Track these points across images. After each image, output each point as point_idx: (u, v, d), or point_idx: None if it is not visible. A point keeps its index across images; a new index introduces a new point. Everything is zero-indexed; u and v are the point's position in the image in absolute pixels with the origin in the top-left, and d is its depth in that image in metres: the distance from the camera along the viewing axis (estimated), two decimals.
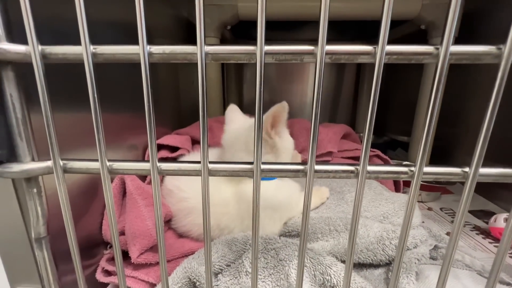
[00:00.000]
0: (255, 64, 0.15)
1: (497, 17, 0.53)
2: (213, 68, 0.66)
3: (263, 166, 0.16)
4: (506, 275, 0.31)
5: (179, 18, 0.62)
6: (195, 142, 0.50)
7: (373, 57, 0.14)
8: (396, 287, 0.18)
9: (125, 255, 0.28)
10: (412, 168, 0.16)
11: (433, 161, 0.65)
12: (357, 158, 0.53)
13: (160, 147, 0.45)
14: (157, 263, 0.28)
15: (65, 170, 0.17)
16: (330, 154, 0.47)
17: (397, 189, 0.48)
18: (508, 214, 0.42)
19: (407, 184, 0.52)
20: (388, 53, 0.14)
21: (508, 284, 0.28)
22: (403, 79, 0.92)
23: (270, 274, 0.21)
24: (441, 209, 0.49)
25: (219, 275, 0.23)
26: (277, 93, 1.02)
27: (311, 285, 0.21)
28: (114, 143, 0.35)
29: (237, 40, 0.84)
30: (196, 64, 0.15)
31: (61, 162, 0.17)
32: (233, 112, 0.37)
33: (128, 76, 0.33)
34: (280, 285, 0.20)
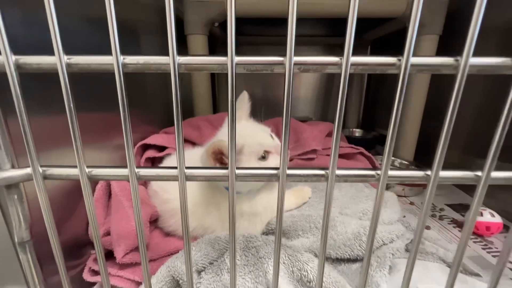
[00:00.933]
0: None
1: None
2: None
3: (237, 171, 0.17)
4: (477, 266, 0.33)
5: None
6: (186, 140, 0.50)
7: (339, 67, 0.15)
8: (367, 280, 0.19)
9: (112, 254, 0.29)
10: (379, 172, 0.17)
11: (417, 157, 0.67)
12: (342, 155, 0.54)
13: (148, 146, 0.45)
14: None
15: (45, 177, 0.17)
16: (315, 151, 0.48)
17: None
18: (484, 208, 0.43)
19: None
20: (353, 64, 0.15)
21: (477, 275, 0.30)
22: (391, 74, 0.94)
23: (250, 271, 0.22)
24: (422, 203, 0.51)
25: (202, 273, 0.24)
26: (268, 88, 1.02)
27: (289, 280, 0.22)
28: (101, 143, 0.35)
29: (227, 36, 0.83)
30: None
31: (41, 169, 0.17)
32: (239, 110, 0.34)
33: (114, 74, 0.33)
34: (259, 282, 0.22)
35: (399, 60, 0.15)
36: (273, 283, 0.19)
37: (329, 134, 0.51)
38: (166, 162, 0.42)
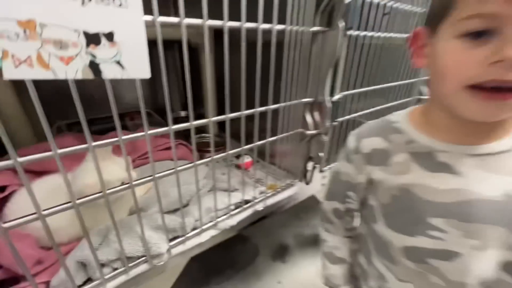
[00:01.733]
0: None
1: None
2: None
3: (79, 201, 0.36)
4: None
5: None
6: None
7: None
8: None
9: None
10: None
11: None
12: (168, 148, 0.80)
13: None
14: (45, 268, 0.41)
15: None
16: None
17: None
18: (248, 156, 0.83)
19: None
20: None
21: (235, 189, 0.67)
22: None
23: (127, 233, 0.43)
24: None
25: (98, 251, 0.41)
26: None
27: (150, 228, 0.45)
28: None
29: None
30: None
31: None
32: None
33: None
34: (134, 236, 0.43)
35: None
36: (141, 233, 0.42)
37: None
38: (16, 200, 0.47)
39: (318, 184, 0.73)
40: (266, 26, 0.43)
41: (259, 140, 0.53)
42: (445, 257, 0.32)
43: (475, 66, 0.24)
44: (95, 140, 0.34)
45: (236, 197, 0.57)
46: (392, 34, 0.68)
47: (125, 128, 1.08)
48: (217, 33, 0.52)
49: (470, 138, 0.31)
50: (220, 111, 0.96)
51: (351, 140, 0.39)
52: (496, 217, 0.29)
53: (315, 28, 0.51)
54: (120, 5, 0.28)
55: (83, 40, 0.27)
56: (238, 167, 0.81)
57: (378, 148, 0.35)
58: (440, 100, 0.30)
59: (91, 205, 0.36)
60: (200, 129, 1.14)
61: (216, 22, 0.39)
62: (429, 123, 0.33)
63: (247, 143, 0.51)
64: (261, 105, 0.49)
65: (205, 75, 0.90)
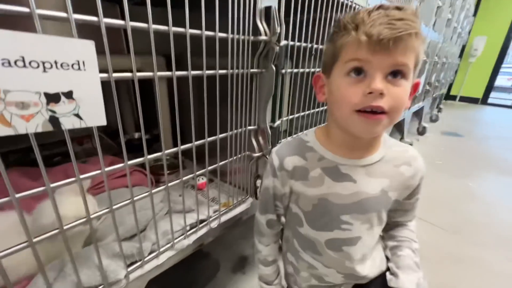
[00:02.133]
0: None
1: None
2: None
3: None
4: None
5: None
6: None
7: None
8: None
9: None
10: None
11: None
12: (124, 175, 0.82)
13: None
14: None
15: None
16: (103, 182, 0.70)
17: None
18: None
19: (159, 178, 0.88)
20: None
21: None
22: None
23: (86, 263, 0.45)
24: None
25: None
26: None
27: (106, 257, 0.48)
28: None
29: None
30: None
31: None
32: None
33: None
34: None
35: None
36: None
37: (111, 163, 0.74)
38: None
39: None
40: (210, 72, 0.51)
41: (212, 161, 0.60)
42: (353, 242, 0.44)
43: (358, 97, 0.36)
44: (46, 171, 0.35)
45: (192, 218, 0.63)
46: (317, 69, 0.83)
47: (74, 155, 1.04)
48: (168, 61, 0.57)
49: (358, 152, 0.44)
50: (175, 132, 0.99)
51: (275, 158, 0.48)
52: (376, 206, 0.44)
53: (254, 70, 0.62)
54: (79, 68, 0.33)
55: (43, 100, 0.31)
56: (194, 187, 0.85)
57: (298, 165, 0.46)
58: (338, 122, 0.42)
59: (46, 241, 0.38)
60: (157, 152, 1.15)
61: (166, 73, 0.45)
62: (330, 141, 0.45)
63: (200, 163, 0.58)
64: (212, 131, 0.56)
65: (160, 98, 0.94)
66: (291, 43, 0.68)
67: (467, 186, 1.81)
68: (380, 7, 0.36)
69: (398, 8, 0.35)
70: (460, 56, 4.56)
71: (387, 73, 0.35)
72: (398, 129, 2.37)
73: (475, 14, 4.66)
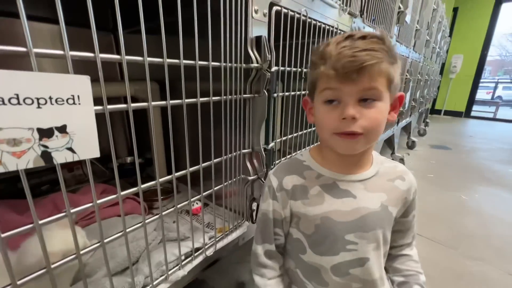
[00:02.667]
0: None
1: None
2: None
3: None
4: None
5: None
6: None
7: None
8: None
9: None
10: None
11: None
12: (117, 203, 0.80)
13: None
14: None
15: None
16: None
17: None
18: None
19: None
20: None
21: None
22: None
23: None
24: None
25: None
26: None
27: None
28: None
29: None
30: None
31: None
32: None
33: None
34: None
35: None
36: None
37: (103, 192, 0.72)
38: None
39: None
40: (204, 99, 0.52)
41: (206, 185, 0.59)
42: (360, 263, 0.43)
43: (335, 122, 0.39)
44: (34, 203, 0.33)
45: (187, 246, 0.61)
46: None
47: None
48: (162, 87, 0.57)
49: (353, 168, 0.45)
50: (168, 155, 0.98)
51: (273, 179, 0.48)
52: (379, 222, 0.44)
53: (246, 95, 0.63)
54: (74, 103, 0.33)
55: (36, 136, 0.31)
56: (188, 212, 0.83)
57: (297, 184, 0.46)
58: (324, 142, 0.44)
59: (32, 281, 0.36)
60: (150, 176, 1.13)
61: (161, 103, 0.46)
62: (325, 159, 0.47)
63: (195, 186, 0.56)
64: (207, 155, 0.56)
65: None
66: (282, 68, 0.71)
67: (460, 199, 1.83)
68: (349, 36, 0.38)
69: (364, 37, 0.38)
70: (441, 73, 4.82)
71: (359, 98, 0.38)
72: (389, 144, 2.42)
73: (450, 35, 4.99)
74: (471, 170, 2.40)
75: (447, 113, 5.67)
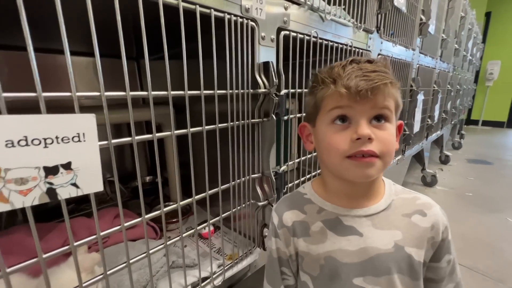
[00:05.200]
0: None
1: None
2: None
3: None
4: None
5: None
6: None
7: None
8: None
9: None
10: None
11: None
12: (133, 227, 0.80)
13: None
14: None
15: None
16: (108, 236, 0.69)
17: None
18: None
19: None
20: None
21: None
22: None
23: None
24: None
25: None
26: None
27: None
28: None
29: None
30: None
31: None
32: None
33: None
34: None
35: None
36: None
37: (117, 216, 0.74)
38: None
39: None
40: (210, 127, 0.53)
41: (217, 209, 0.58)
42: None
43: (346, 144, 0.35)
44: (55, 226, 0.35)
45: (194, 275, 0.59)
46: None
47: (86, 201, 1.06)
48: (177, 110, 0.61)
49: (360, 201, 0.40)
50: (182, 179, 1.00)
51: (274, 216, 0.45)
52: (394, 266, 0.37)
53: (255, 120, 0.63)
54: (79, 140, 0.35)
55: (42, 174, 0.32)
56: (201, 236, 0.83)
57: (297, 220, 0.43)
58: (330, 169, 0.40)
59: None
60: (166, 196, 1.15)
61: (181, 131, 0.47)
62: (328, 191, 0.42)
63: (204, 207, 0.56)
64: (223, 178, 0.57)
65: (168, 144, 0.98)
66: (292, 90, 0.70)
67: (506, 222, 1.62)
68: (352, 61, 0.37)
69: (369, 62, 0.37)
70: (476, 81, 4.47)
71: (371, 118, 0.35)
72: (418, 160, 2.25)
73: (484, 41, 4.67)
74: None
75: (486, 123, 5.20)
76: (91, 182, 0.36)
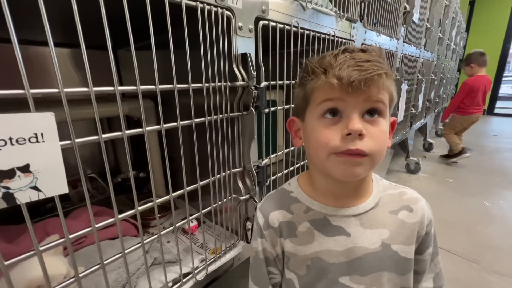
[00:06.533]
0: None
1: None
2: None
3: None
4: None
5: None
6: None
7: None
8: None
9: None
10: None
11: None
12: (113, 224, 0.78)
13: None
14: None
15: None
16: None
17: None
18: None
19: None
20: None
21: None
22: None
23: None
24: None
25: None
26: None
27: None
28: None
29: None
30: None
31: None
32: None
33: None
34: None
35: None
36: None
37: (96, 214, 0.72)
38: None
39: None
40: (196, 120, 0.51)
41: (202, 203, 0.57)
42: None
43: (336, 139, 0.33)
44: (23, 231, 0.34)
45: (175, 272, 0.59)
46: None
47: (67, 199, 1.03)
48: (156, 103, 0.59)
49: (348, 200, 0.39)
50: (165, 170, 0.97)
51: (259, 216, 0.43)
52: (381, 264, 0.37)
53: (234, 114, 0.61)
54: (37, 141, 0.32)
55: None
56: (183, 230, 0.82)
57: (284, 220, 0.41)
58: (317, 166, 0.38)
59: None
60: (151, 191, 1.13)
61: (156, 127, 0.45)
62: (315, 189, 0.41)
63: (190, 202, 0.55)
64: (203, 173, 0.56)
65: (150, 139, 0.95)
66: (273, 82, 0.68)
67: (483, 206, 1.71)
68: (345, 50, 0.35)
69: (363, 51, 0.34)
70: (459, 70, 4.57)
71: (363, 112, 0.33)
72: (403, 148, 2.31)
73: (467, 30, 4.74)
74: (495, 173, 2.24)
75: None
76: (54, 184, 0.35)
